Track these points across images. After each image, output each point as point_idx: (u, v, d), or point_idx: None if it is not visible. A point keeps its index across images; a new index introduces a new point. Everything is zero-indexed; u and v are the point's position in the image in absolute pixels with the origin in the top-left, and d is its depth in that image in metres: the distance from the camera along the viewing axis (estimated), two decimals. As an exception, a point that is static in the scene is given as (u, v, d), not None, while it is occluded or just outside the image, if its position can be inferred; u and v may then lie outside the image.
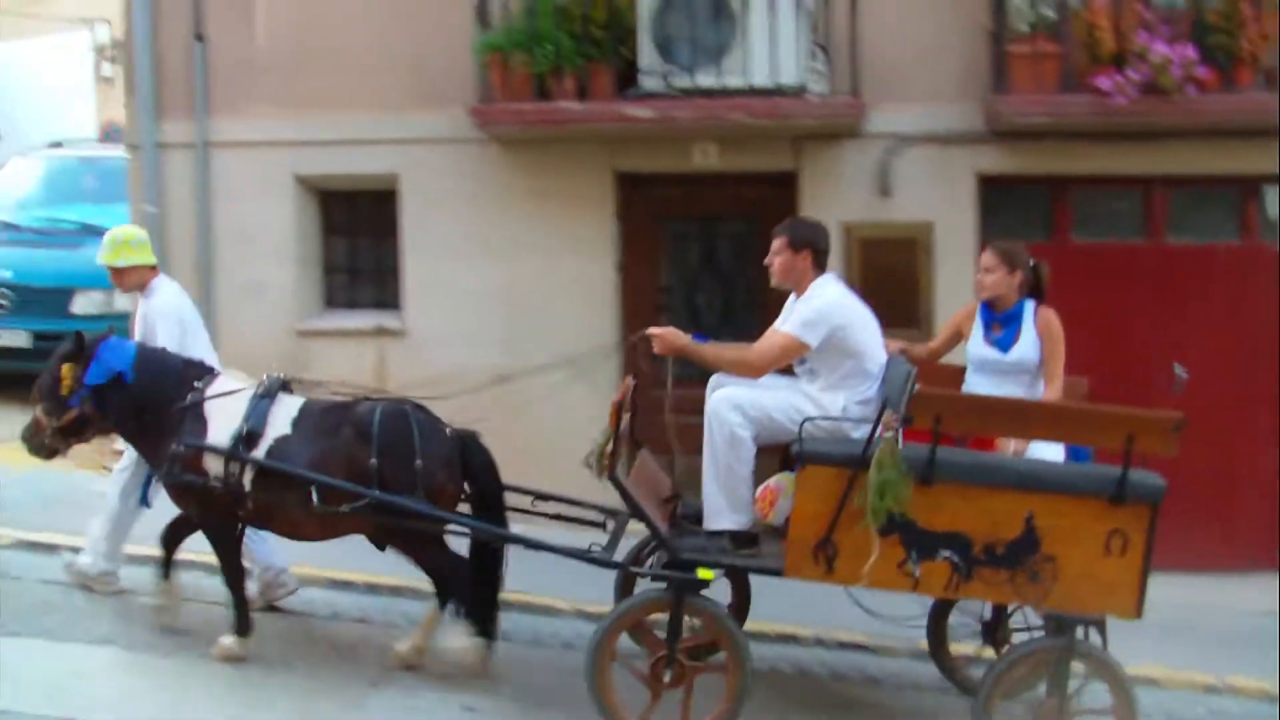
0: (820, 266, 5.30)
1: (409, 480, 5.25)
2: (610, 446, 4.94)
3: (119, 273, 6.28)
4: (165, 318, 6.09)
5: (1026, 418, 4.97)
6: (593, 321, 8.35)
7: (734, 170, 8.41)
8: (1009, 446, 5.18)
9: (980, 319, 5.62)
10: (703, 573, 4.94)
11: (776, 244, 5.32)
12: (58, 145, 12.55)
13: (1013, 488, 4.70)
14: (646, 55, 7.85)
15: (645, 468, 5.53)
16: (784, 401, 5.07)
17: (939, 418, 4.64)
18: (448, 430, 5.50)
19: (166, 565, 5.88)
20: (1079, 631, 4.87)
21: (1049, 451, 5.13)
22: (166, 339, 5.97)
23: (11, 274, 10.36)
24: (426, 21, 8.51)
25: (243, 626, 5.63)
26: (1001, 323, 5.53)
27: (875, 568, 4.70)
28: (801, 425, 4.87)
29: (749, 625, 5.96)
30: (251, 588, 5.98)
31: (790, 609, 6.29)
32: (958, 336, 5.79)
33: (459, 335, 8.52)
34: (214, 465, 5.37)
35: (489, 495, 5.53)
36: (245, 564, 5.84)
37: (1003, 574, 4.69)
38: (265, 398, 5.49)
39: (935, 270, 8.22)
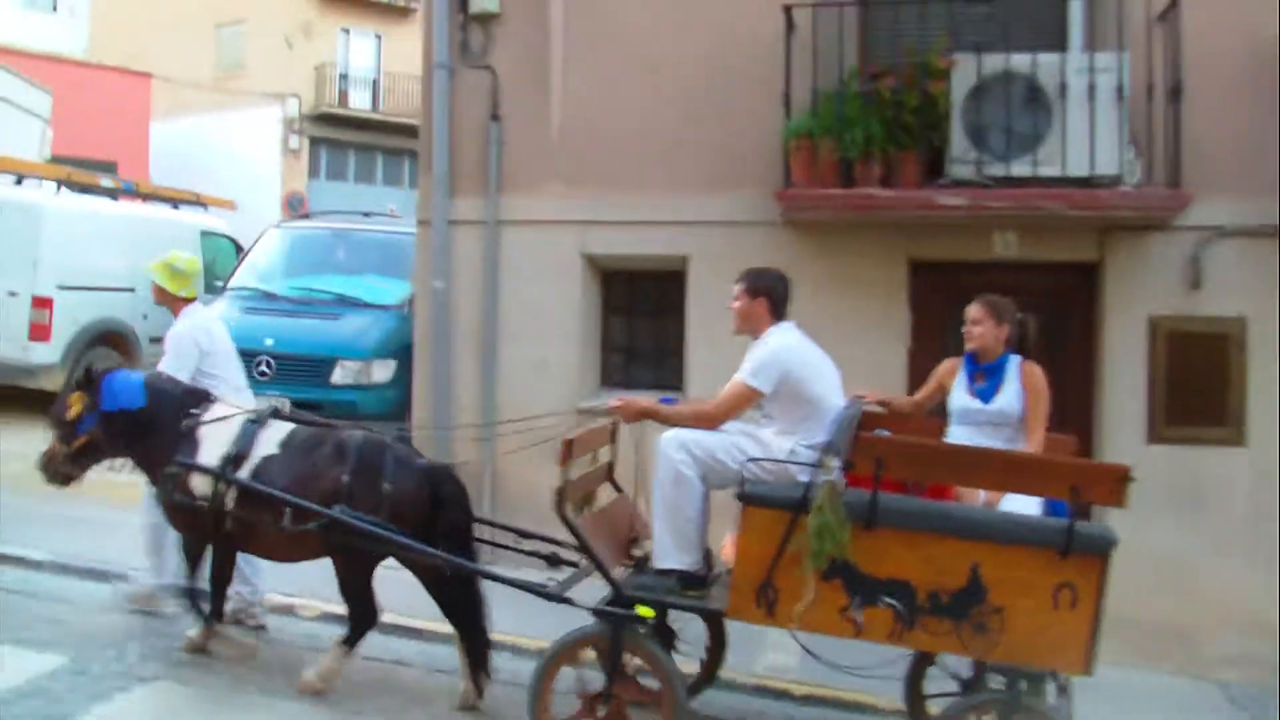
0: (777, 314, 5.37)
1: (375, 501, 5.47)
2: (561, 486, 5.02)
3: (166, 295, 6.68)
4: (176, 342, 6.43)
5: (970, 465, 4.92)
6: (883, 408, 8.17)
7: (1033, 259, 8.23)
8: (979, 497, 5.14)
9: (964, 370, 5.67)
10: (642, 610, 5.02)
11: (736, 290, 5.43)
12: (304, 216, 12.88)
13: (957, 536, 4.62)
14: (958, 143, 7.74)
15: (618, 509, 5.66)
16: (729, 443, 5.11)
17: (880, 462, 4.62)
18: (422, 462, 5.76)
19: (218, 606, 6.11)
20: (1025, 685, 4.77)
21: (1023, 504, 5.00)
22: (169, 361, 6.32)
23: (274, 343, 10.60)
24: (722, 105, 8.55)
25: (210, 623, 6.00)
26: (985, 374, 5.57)
27: (818, 612, 4.69)
28: (742, 467, 4.93)
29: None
30: (228, 607, 6.25)
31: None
32: (941, 390, 5.79)
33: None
34: (202, 486, 5.67)
35: (456, 527, 5.69)
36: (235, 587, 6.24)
37: (947, 624, 4.61)
38: (255, 423, 5.82)
39: (1248, 366, 7.91)
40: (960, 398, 5.63)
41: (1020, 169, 7.67)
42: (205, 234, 13.76)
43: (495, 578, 5.57)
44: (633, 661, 5.20)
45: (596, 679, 5.20)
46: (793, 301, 5.62)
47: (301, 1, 31.14)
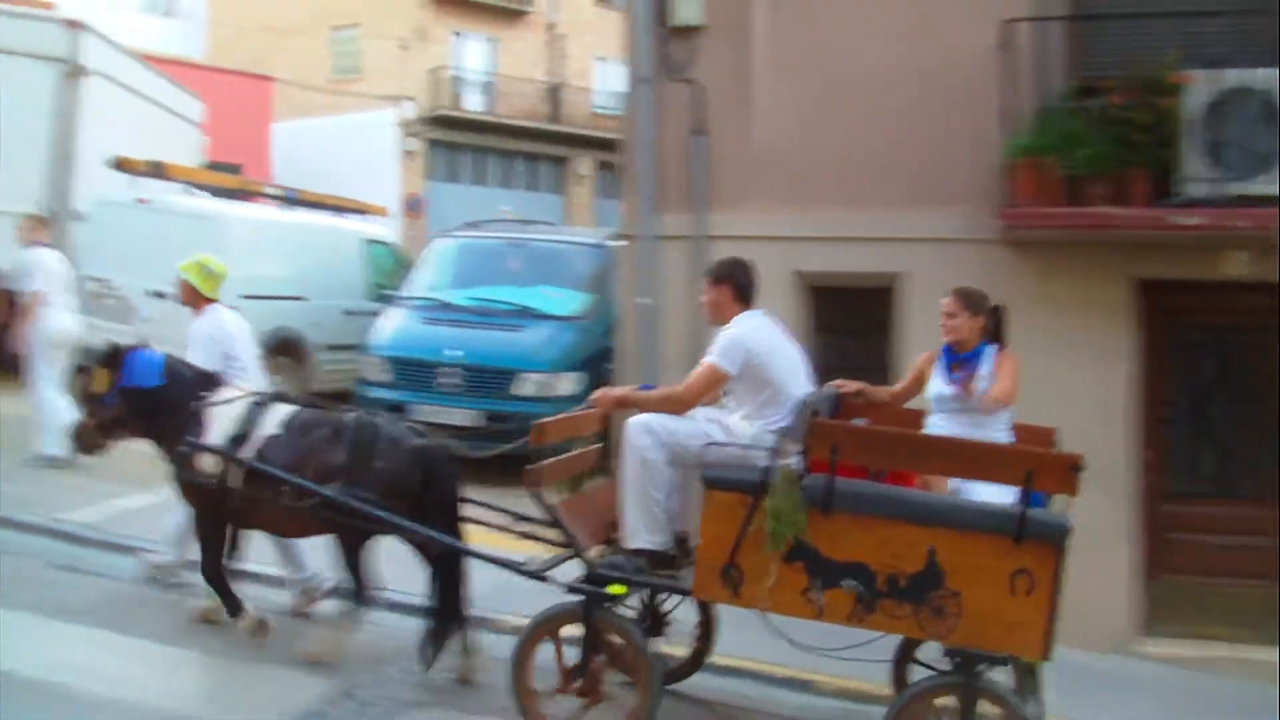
0: (743, 300, 5.46)
1: (367, 479, 5.69)
2: (533, 467, 5.18)
3: (192, 294, 6.91)
4: (195, 337, 6.75)
5: (924, 451, 5.00)
6: (1104, 431, 8.00)
7: (1261, 279, 7.99)
8: (946, 487, 5.21)
9: (942, 360, 5.78)
10: (613, 588, 5.13)
11: (704, 283, 5.58)
12: (473, 225, 12.94)
13: (913, 521, 4.68)
14: (1191, 160, 7.54)
15: (604, 493, 5.71)
16: (694, 428, 5.21)
17: (835, 448, 4.70)
18: (415, 441, 5.93)
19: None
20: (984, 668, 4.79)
21: (994, 492, 4.98)
22: (193, 356, 6.56)
23: (463, 354, 10.64)
24: (934, 120, 8.42)
25: (233, 608, 6.16)
26: (961, 363, 5.66)
27: (781, 594, 4.77)
28: (703, 450, 5.04)
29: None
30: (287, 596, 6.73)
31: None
32: (920, 380, 5.90)
33: (955, 439, 8.29)
34: (208, 464, 5.93)
35: (444, 505, 5.84)
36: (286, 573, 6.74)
37: (906, 607, 4.66)
38: (259, 405, 6.07)
39: None
40: (937, 386, 5.74)
41: (1258, 188, 7.46)
42: (369, 241, 13.88)
43: (477, 555, 5.71)
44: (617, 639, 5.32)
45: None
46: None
47: (415, 6, 31.41)
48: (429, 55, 31.40)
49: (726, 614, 5.75)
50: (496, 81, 32.68)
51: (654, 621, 5.99)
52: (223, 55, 31.27)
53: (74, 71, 11.99)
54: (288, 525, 6.10)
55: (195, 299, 6.88)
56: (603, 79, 34.62)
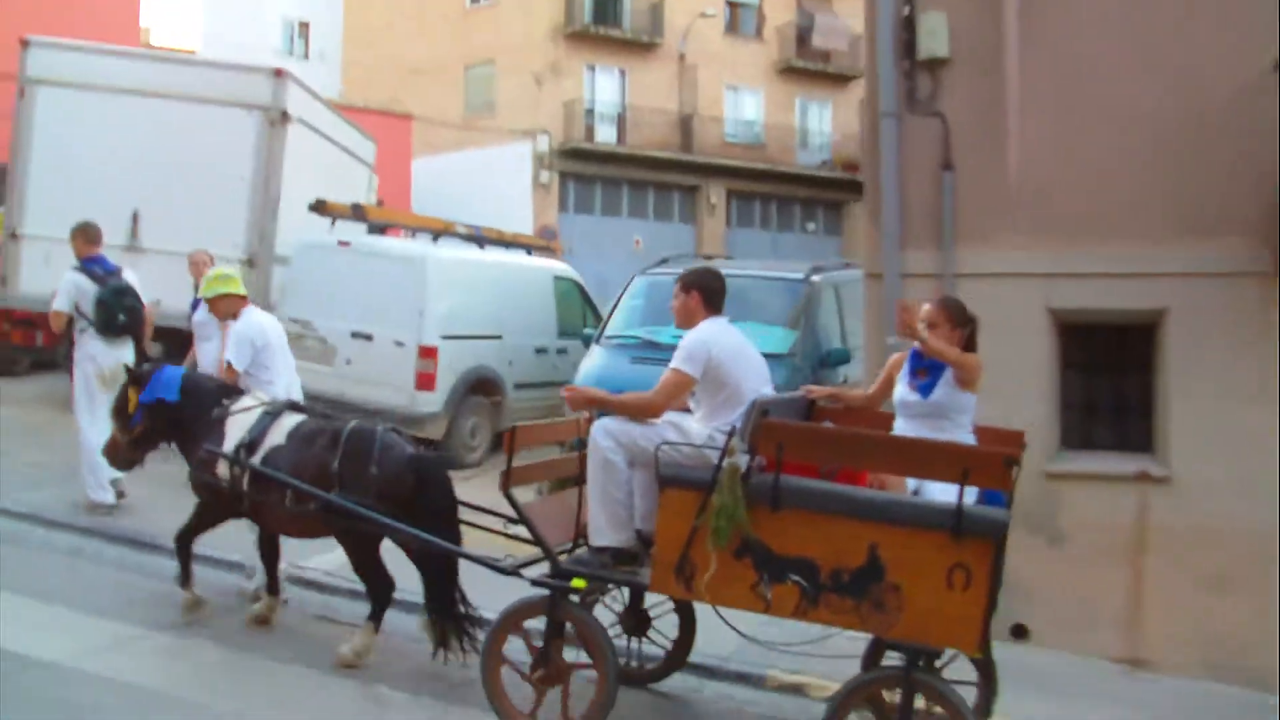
0: (711, 307, 5.60)
1: (363, 484, 6.03)
2: (506, 469, 5.38)
3: (212, 303, 7.45)
4: (237, 338, 7.17)
5: (865, 449, 5.10)
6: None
7: None
8: (906, 486, 5.26)
9: (908, 364, 5.79)
10: (575, 582, 5.41)
11: (675, 289, 5.71)
12: (663, 261, 12.79)
13: (856, 517, 4.79)
14: None
15: (579, 495, 5.80)
16: (651, 429, 5.34)
17: (781, 445, 4.85)
18: (411, 449, 6.27)
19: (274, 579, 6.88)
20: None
21: (951, 491, 4.86)
22: (233, 355, 7.10)
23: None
24: (1200, 149, 8.06)
25: (184, 580, 6.74)
26: (928, 369, 5.67)
27: (731, 588, 4.93)
28: (657, 450, 5.14)
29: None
30: (248, 585, 7.19)
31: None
32: (890, 384, 5.92)
33: (1230, 485, 7.88)
34: (223, 469, 6.38)
35: (438, 509, 6.12)
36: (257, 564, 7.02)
37: (849, 601, 4.77)
38: (270, 415, 6.49)
39: None
40: (902, 390, 5.77)
41: None
42: (557, 278, 13.82)
43: (462, 555, 6.04)
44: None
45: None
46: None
47: (548, 41, 31.62)
48: (561, 89, 31.58)
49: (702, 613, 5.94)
50: (628, 113, 32.74)
51: (638, 620, 6.31)
52: (358, 95, 31.80)
53: (278, 119, 12.11)
54: (292, 526, 6.53)
55: (233, 304, 7.36)
56: (733, 108, 34.54)
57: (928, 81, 8.65)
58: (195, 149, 12.05)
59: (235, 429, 6.47)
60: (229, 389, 6.87)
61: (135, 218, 12.03)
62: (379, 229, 12.56)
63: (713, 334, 5.48)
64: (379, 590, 6.36)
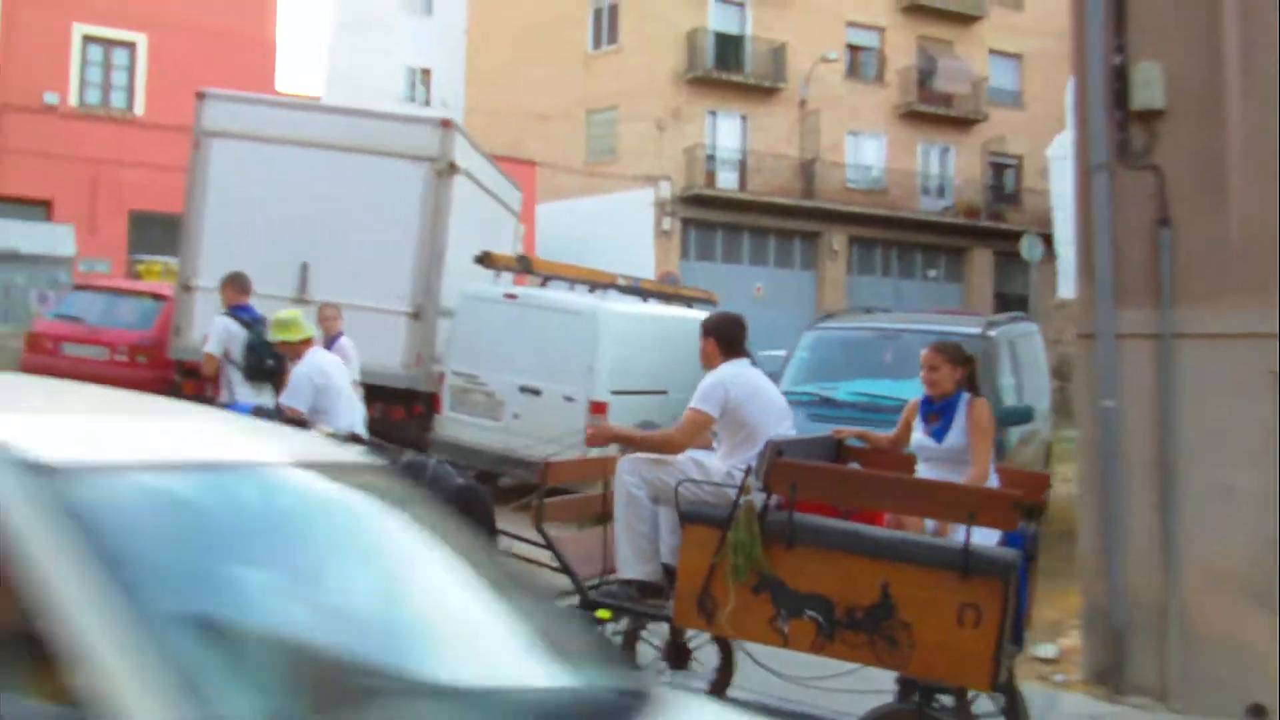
0: (727, 352, 5.80)
1: None
2: (539, 503, 5.69)
3: (284, 346, 7.91)
4: (297, 378, 7.56)
5: (875, 489, 5.27)
6: None
7: None
8: (926, 527, 5.32)
9: (920, 411, 5.98)
10: (601, 613, 5.63)
11: (700, 333, 5.98)
12: (828, 316, 12.53)
13: (867, 555, 4.86)
14: None
15: (604, 532, 6.02)
16: (674, 467, 5.50)
17: (795, 485, 4.96)
18: (460, 480, 6.44)
19: None
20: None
21: (984, 534, 4.96)
22: (289, 392, 7.51)
23: (852, 453, 10.16)
24: None
25: None
26: (939, 413, 5.86)
27: (750, 622, 5.04)
28: (677, 487, 5.27)
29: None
30: None
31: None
32: (908, 427, 6.09)
33: None
34: None
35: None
36: None
37: (863, 637, 4.83)
38: None
39: None
40: (918, 437, 5.96)
41: None
42: (716, 332, 13.62)
43: None
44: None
45: None
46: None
47: (670, 87, 31.69)
48: (683, 135, 31.59)
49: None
50: (749, 158, 32.63)
51: (678, 655, 6.34)
52: (481, 141, 32.04)
53: (445, 170, 12.13)
54: None
55: (297, 349, 7.79)
56: (854, 153, 34.26)
57: (1141, 133, 8.27)
58: (363, 201, 12.11)
59: None
60: (299, 424, 7.01)
61: (305, 269, 12.09)
62: (542, 281, 12.49)
63: (730, 375, 5.71)
64: None
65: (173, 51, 26.74)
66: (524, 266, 12.24)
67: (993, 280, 35.98)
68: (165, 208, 26.92)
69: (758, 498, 5.04)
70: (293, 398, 7.51)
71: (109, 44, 26.71)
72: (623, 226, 30.72)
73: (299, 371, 7.62)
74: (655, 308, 13.06)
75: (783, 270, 33.33)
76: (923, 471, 5.86)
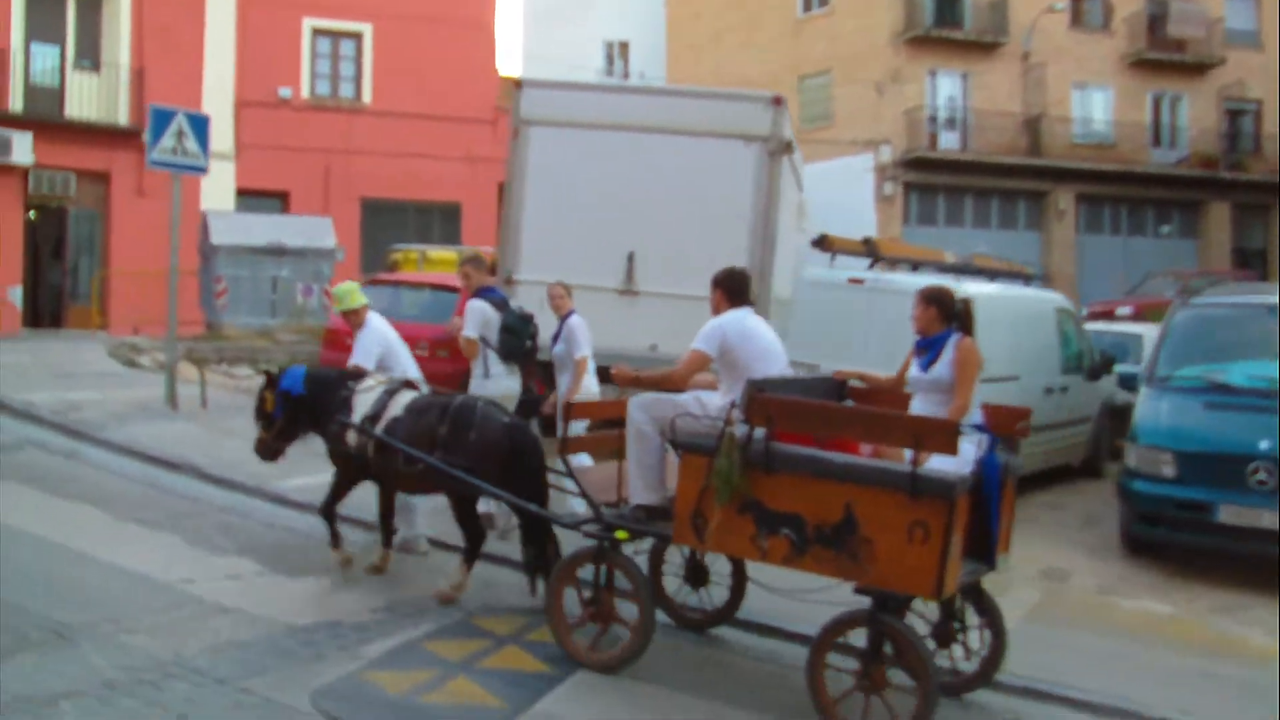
0: (733, 301, 6.46)
1: (463, 448, 7.01)
2: (563, 437, 6.61)
3: (345, 316, 8.45)
4: (361, 341, 8.21)
5: (838, 420, 5.92)
6: None
7: None
8: (904, 457, 5.52)
9: (915, 347, 6.50)
10: (619, 534, 6.32)
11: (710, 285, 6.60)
12: (1190, 292, 11.42)
13: (834, 479, 5.47)
14: None
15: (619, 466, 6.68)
16: (676, 404, 6.14)
17: (771, 418, 5.62)
18: (506, 419, 7.24)
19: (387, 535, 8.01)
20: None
21: (948, 462, 5.51)
22: (360, 354, 8.12)
23: (1269, 446, 9.12)
24: None
25: (334, 541, 7.85)
26: (927, 347, 6.38)
27: (734, 539, 5.78)
28: (673, 420, 6.00)
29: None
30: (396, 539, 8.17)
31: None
32: (908, 367, 6.56)
33: None
34: (351, 437, 7.46)
35: (529, 473, 7.12)
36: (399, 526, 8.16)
37: (830, 552, 5.45)
38: (389, 393, 7.50)
39: None
40: (912, 369, 6.47)
41: None
42: (1059, 310, 12.66)
43: (531, 511, 7.01)
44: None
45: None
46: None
47: (887, 48, 30.46)
48: (902, 96, 30.36)
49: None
50: (971, 117, 31.21)
51: (697, 575, 7.22)
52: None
53: (778, 149, 11.41)
54: (412, 485, 7.59)
55: (356, 317, 8.33)
56: (1080, 106, 32.49)
57: None
58: (690, 185, 11.47)
59: (361, 405, 7.55)
60: (348, 375, 7.91)
61: (630, 259, 11.54)
62: (887, 264, 11.69)
63: (729, 320, 6.36)
64: (473, 536, 7.41)
65: (396, 39, 26.68)
66: (870, 250, 11.45)
67: (1230, 235, 33.81)
68: (394, 194, 27.13)
69: (741, 429, 5.67)
70: (363, 359, 8.13)
71: (336, 35, 26.81)
72: (842, 192, 29.59)
73: (366, 337, 8.24)
74: (1007, 289, 12.14)
75: (1007, 232, 31.84)
76: (916, 406, 6.35)
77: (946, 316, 6.39)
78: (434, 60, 26.73)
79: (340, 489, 7.85)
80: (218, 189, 23.40)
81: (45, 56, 22.92)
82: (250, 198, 24.29)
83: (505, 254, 11.82)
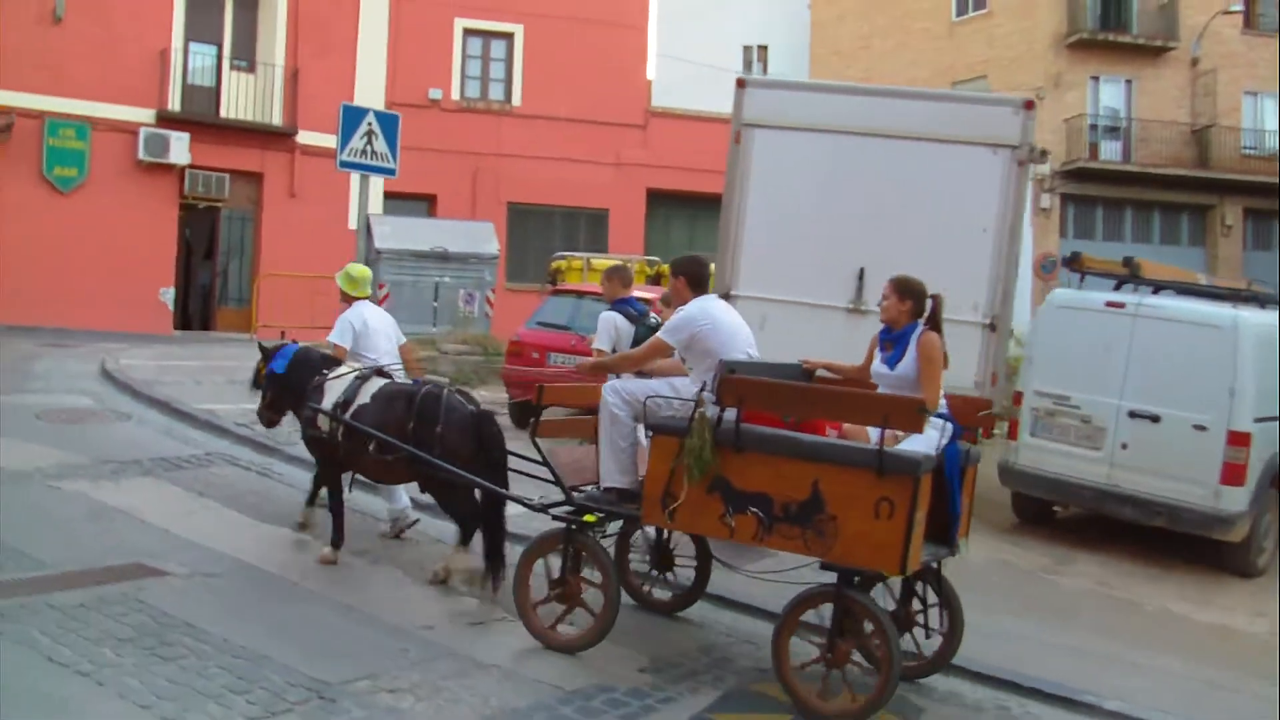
0: (695, 288, 6.67)
1: (431, 439, 7.17)
2: (534, 421, 6.69)
3: (345, 296, 8.73)
4: (341, 323, 8.47)
5: (808, 400, 6.04)
6: None
7: None
8: (870, 437, 5.80)
9: (879, 339, 6.52)
10: (588, 517, 6.53)
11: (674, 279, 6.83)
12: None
13: (801, 458, 5.64)
14: None
15: (594, 450, 6.88)
16: (649, 388, 6.37)
17: (742, 399, 5.76)
18: (471, 409, 7.36)
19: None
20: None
21: (918, 441, 5.74)
22: (336, 331, 8.42)
23: None
24: None
25: (338, 540, 7.85)
26: (893, 342, 6.37)
27: (703, 518, 5.91)
28: (646, 402, 6.20)
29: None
30: (384, 526, 8.71)
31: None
32: (872, 357, 6.59)
33: None
34: (323, 423, 7.66)
35: (493, 459, 7.27)
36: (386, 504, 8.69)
37: (796, 529, 5.62)
38: (360, 380, 7.70)
39: None
40: (875, 364, 6.46)
41: None
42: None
43: (501, 495, 7.09)
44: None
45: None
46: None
47: (1049, 52, 29.17)
48: (1063, 104, 29.04)
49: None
50: (1135, 126, 29.74)
51: (663, 556, 7.29)
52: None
53: (1026, 158, 10.42)
54: (380, 472, 7.68)
55: (345, 299, 8.68)
56: (1252, 116, 30.81)
57: None
58: (928, 196, 10.52)
59: (332, 391, 7.67)
60: (330, 361, 8.09)
61: (861, 276, 10.64)
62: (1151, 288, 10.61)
63: (696, 311, 6.48)
64: (462, 520, 7.36)
65: (547, 40, 26.10)
66: (1132, 270, 10.39)
67: None
68: (541, 199, 26.53)
69: (712, 411, 5.81)
70: (338, 336, 8.38)
71: (488, 36, 26.33)
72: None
73: (344, 316, 8.51)
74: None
75: (1168, 247, 30.27)
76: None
77: (917, 311, 6.35)
78: (584, 62, 26.07)
79: (334, 482, 7.93)
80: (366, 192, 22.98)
81: (203, 56, 22.72)
82: (398, 200, 23.82)
83: (722, 268, 10.97)
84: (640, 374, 6.89)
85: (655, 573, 7.34)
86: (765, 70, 37.65)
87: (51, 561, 7.20)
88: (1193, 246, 30.72)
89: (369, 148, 12.38)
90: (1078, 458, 10.18)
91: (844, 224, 10.68)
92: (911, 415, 5.53)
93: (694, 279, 6.68)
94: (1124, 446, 9.92)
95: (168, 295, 22.21)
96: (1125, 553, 10.18)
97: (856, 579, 5.76)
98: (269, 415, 8.48)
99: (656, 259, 20.37)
